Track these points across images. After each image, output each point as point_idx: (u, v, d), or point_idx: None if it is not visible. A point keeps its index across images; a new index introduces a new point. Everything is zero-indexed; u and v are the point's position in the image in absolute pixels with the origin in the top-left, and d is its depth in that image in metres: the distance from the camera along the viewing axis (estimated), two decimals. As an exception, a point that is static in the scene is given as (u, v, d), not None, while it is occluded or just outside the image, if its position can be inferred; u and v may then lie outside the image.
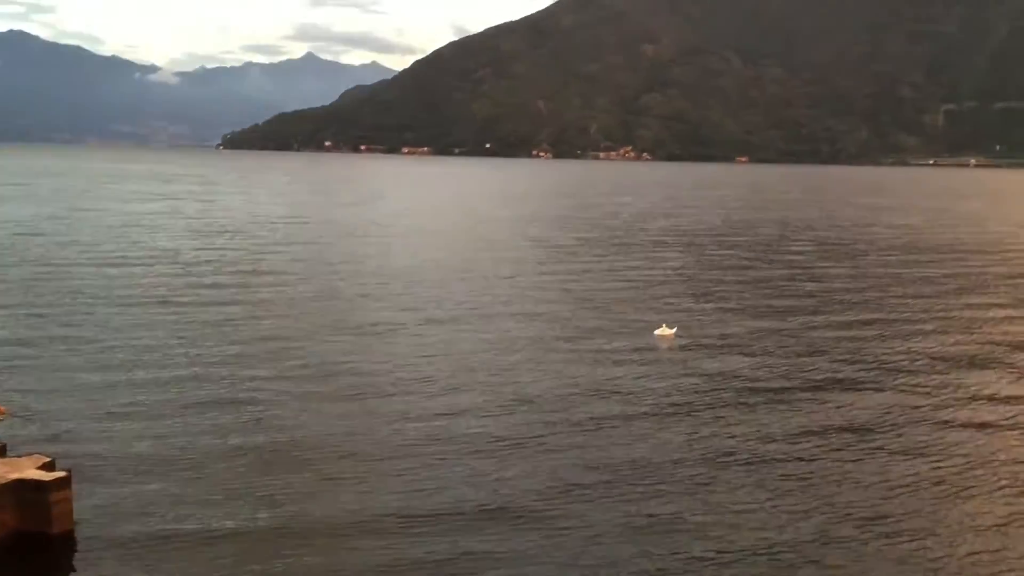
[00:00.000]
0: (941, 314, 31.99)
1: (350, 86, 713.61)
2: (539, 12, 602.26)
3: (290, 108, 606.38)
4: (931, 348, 26.52)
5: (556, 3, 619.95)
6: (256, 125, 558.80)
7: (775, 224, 72.13)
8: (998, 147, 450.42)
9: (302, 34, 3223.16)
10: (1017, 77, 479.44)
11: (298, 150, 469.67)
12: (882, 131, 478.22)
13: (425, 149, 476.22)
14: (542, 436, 17.84)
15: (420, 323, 28.39)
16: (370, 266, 41.60)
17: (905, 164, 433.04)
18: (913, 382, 22.66)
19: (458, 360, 23.83)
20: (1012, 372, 24.00)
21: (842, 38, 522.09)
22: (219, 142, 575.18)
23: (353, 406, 19.56)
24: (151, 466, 15.62)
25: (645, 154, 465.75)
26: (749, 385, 22.10)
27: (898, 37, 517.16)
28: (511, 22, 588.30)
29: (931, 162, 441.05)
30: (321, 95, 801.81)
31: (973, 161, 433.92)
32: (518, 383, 21.78)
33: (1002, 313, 32.53)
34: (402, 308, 30.69)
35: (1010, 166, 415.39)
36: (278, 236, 53.49)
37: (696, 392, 21.43)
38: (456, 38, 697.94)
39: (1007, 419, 19.79)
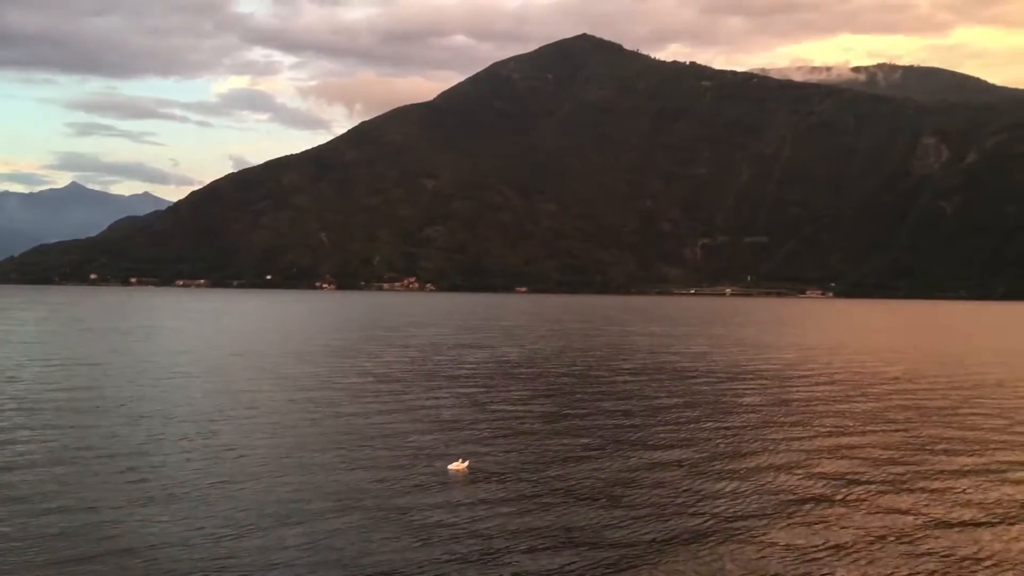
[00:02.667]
0: (740, 439, 33.09)
1: (120, 217, 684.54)
2: (321, 146, 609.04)
3: (52, 239, 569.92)
4: (727, 470, 27.14)
5: (337, 138, 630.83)
6: (11, 257, 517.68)
7: (569, 352, 73.80)
8: (749, 277, 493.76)
9: (67, 163, 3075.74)
10: (759, 215, 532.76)
11: (60, 283, 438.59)
12: (647, 263, 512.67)
13: (201, 281, 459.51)
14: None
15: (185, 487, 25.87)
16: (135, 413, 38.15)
17: (669, 293, 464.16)
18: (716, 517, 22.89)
19: (242, 514, 21.73)
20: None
21: (607, 177, 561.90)
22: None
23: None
24: None
25: (429, 284, 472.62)
26: (540, 520, 21.50)
27: (656, 178, 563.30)
28: (292, 155, 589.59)
29: (692, 291, 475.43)
30: (88, 226, 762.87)
31: (729, 290, 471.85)
32: (297, 530, 20.08)
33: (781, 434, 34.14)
34: (187, 476, 27.97)
35: (760, 294, 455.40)
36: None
37: (489, 526, 20.58)
38: (235, 170, 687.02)
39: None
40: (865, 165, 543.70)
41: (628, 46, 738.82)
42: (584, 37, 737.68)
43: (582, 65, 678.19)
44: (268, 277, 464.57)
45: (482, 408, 38.90)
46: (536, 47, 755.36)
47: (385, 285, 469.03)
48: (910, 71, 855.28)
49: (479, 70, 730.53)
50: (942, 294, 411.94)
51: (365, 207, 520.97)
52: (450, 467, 26.29)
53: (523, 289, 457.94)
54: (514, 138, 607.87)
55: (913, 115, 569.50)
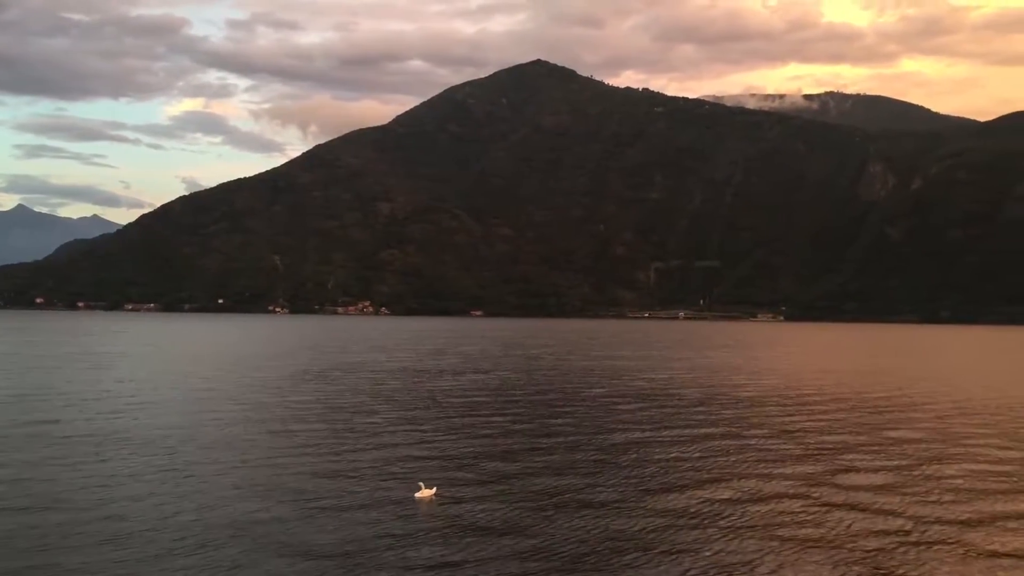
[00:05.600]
0: (716, 464, 33.44)
1: (68, 239, 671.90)
2: (274, 169, 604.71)
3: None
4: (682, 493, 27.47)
5: (291, 161, 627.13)
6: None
7: (535, 378, 73.92)
8: (701, 301, 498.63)
9: (14, 186, 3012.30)
10: (712, 239, 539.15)
11: (3, 308, 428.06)
12: (602, 286, 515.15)
13: (151, 305, 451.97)
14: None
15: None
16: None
17: (624, 316, 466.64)
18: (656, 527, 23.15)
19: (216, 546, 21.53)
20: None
21: (561, 201, 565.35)
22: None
23: None
24: None
25: (384, 308, 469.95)
26: (507, 546, 21.62)
27: (610, 202, 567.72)
28: (245, 178, 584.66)
29: (646, 314, 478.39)
30: (34, 249, 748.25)
31: (682, 314, 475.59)
32: (267, 552, 19.96)
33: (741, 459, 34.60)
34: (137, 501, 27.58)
35: (714, 318, 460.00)
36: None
37: (455, 553, 20.67)
38: (188, 193, 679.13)
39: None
40: (814, 191, 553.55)
41: (582, 72, 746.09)
42: (538, 63, 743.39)
43: (536, 90, 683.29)
44: (220, 301, 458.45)
45: (450, 435, 38.89)
46: (491, 72, 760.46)
47: (339, 309, 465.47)
48: (858, 100, 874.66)
49: (435, 94, 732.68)
50: (889, 317, 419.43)
51: (319, 230, 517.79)
52: (417, 495, 26.28)
53: (479, 313, 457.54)
54: (469, 162, 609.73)
55: (860, 143, 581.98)
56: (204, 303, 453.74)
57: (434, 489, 26.71)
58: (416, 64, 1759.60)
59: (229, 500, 25.56)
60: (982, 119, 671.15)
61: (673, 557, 20.91)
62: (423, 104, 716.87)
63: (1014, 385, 74.02)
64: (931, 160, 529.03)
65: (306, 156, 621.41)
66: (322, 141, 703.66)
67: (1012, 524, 24.35)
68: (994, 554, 21.55)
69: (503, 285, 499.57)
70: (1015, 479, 30.75)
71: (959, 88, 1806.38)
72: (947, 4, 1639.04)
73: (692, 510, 25.34)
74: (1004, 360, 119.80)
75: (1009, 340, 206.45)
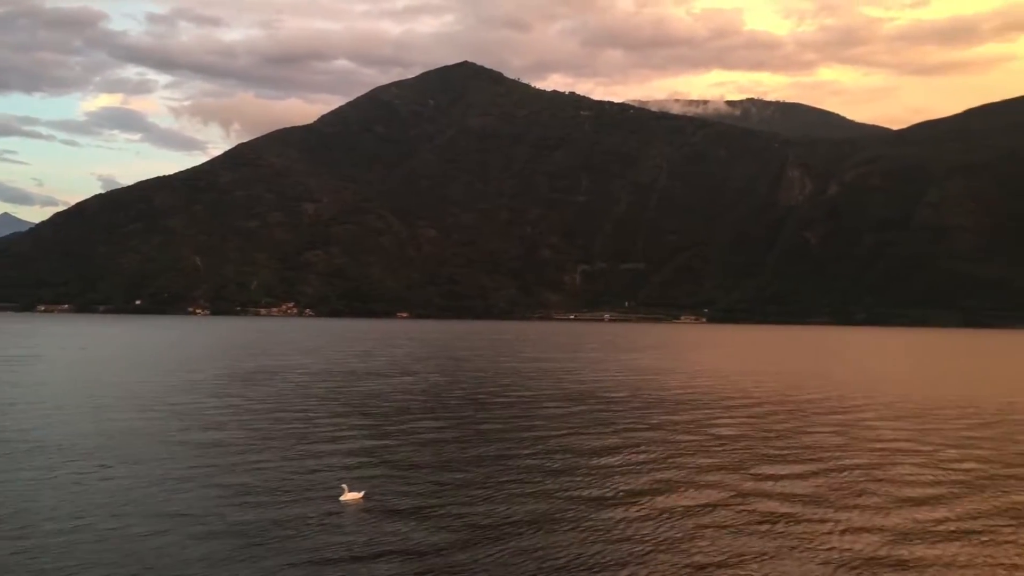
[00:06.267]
0: (648, 468, 33.76)
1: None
2: (196, 168, 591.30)
3: None
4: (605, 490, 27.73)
5: (213, 160, 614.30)
6: None
7: (464, 379, 73.71)
8: (626, 303, 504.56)
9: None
10: (637, 242, 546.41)
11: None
12: (528, 288, 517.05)
13: (65, 306, 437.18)
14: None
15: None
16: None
17: (550, 318, 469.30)
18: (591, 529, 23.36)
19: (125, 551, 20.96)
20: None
21: (488, 203, 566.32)
22: None
23: None
24: None
25: (308, 310, 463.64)
26: (433, 542, 21.59)
27: (537, 205, 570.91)
28: (165, 176, 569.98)
29: (572, 316, 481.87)
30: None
31: (608, 315, 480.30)
32: (182, 559, 19.55)
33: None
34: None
35: (639, 320, 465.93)
36: None
37: (381, 555, 20.56)
38: (104, 191, 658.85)
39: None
40: (736, 196, 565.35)
41: (509, 75, 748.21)
42: (466, 65, 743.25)
43: (463, 92, 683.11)
44: (137, 302, 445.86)
45: (379, 438, 38.55)
46: (418, 73, 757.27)
47: (262, 310, 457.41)
48: (778, 107, 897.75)
49: (361, 94, 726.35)
50: (807, 319, 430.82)
51: (242, 231, 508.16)
52: (342, 498, 26.02)
53: (404, 315, 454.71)
54: (395, 163, 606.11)
55: (779, 149, 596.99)
56: (120, 304, 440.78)
57: (362, 492, 26.49)
58: (342, 64, 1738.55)
59: (146, 501, 24.94)
60: (895, 127, 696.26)
61: (600, 566, 21.09)
62: (349, 104, 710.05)
63: (929, 385, 76.72)
64: (847, 167, 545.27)
65: (228, 155, 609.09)
66: (245, 140, 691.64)
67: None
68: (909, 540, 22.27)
69: (429, 287, 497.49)
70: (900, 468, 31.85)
71: (874, 97, 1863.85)
72: (863, 15, 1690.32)
73: (627, 517, 25.62)
74: (917, 361, 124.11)
75: (920, 342, 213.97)
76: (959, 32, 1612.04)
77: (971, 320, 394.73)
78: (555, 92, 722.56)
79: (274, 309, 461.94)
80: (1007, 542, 22.95)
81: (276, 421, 43.08)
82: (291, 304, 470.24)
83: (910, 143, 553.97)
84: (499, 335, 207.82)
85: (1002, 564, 21.19)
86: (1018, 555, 21.88)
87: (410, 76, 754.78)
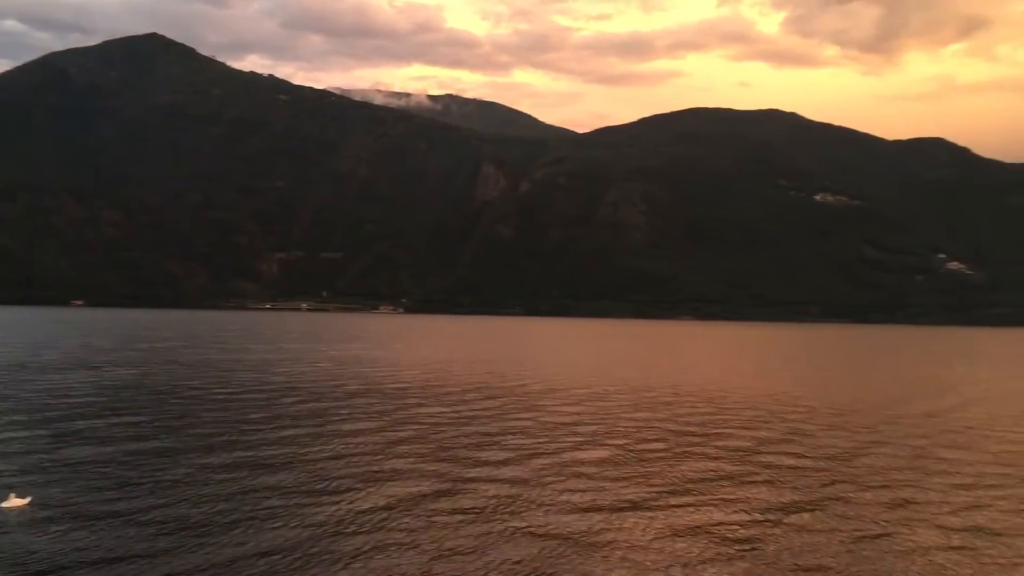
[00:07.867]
0: (342, 453, 33.08)
1: None
2: None
3: None
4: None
5: None
6: None
7: (155, 372, 68.70)
8: (324, 293, 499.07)
9: None
10: (337, 231, 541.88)
11: None
12: (221, 276, 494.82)
13: None
14: None
15: None
16: None
17: (245, 308, 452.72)
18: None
19: None
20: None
21: (178, 186, 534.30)
22: None
23: None
24: None
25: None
26: (110, 551, 19.91)
27: (232, 189, 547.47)
28: None
29: (268, 306, 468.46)
30: None
31: (305, 305, 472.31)
32: None
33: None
34: None
35: (337, 310, 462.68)
36: None
37: (47, 565, 18.67)
38: None
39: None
40: (434, 188, 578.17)
41: (203, 51, 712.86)
42: (154, 36, 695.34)
43: (151, 66, 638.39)
44: None
45: (53, 440, 34.73)
46: (101, 41, 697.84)
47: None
48: (476, 104, 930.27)
49: (32, 59, 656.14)
50: (499, 310, 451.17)
51: None
52: (5, 504, 23.34)
53: (80, 303, 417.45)
54: (72, 137, 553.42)
55: (476, 145, 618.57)
56: None
57: (28, 499, 23.83)
58: (10, 24, 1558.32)
59: None
60: (580, 131, 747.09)
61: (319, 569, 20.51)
62: (18, 69, 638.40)
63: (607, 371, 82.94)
64: (537, 166, 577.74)
65: None
66: None
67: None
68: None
69: (109, 273, 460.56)
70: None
71: (562, 101, 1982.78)
72: (554, 23, 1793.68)
73: (342, 515, 25.09)
74: (598, 347, 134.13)
75: (600, 331, 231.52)
76: (637, 47, 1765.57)
77: (641, 312, 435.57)
78: (253, 73, 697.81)
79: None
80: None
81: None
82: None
83: (592, 146, 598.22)
84: (192, 325, 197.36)
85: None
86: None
87: (91, 44, 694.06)
